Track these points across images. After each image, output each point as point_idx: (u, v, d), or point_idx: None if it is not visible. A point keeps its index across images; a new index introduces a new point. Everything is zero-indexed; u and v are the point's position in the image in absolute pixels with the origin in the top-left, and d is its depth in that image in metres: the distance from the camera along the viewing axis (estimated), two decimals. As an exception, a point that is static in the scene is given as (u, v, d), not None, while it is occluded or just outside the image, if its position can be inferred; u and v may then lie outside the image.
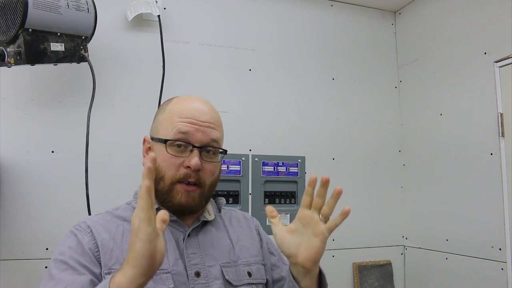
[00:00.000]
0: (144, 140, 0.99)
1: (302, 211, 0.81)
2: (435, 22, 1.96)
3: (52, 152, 1.60)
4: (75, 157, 1.59)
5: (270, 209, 0.85)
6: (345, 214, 0.76)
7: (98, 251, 0.86)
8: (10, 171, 1.54)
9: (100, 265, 0.85)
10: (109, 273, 0.83)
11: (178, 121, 0.92)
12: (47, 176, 1.58)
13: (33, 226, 1.54)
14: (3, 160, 1.53)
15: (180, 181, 0.90)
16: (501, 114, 1.61)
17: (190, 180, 0.90)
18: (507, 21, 1.59)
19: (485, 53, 1.68)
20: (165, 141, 0.91)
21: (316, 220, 0.79)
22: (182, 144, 0.91)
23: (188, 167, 0.89)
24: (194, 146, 0.90)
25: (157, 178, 0.91)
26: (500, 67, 1.62)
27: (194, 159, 0.89)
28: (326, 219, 0.79)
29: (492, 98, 1.64)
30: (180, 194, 0.90)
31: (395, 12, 2.24)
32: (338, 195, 0.78)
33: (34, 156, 1.58)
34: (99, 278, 0.83)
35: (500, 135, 1.60)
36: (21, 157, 1.56)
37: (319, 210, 0.80)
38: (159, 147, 0.92)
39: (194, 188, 0.91)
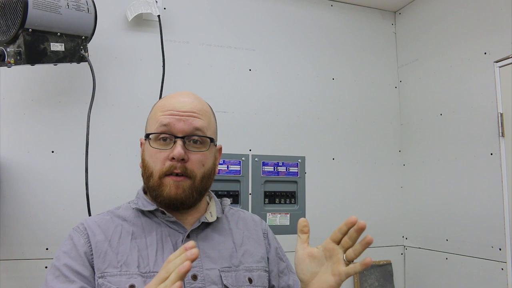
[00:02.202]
0: (141, 143, 0.99)
1: (329, 243, 0.80)
2: (435, 22, 1.96)
3: (52, 152, 1.60)
4: (75, 157, 1.59)
5: (303, 223, 0.84)
6: (364, 266, 0.75)
7: (92, 254, 0.86)
8: (10, 171, 1.54)
9: (93, 268, 0.85)
10: (102, 277, 0.83)
11: (160, 115, 0.91)
12: (47, 176, 1.58)
13: (33, 226, 1.54)
14: (3, 160, 1.53)
15: (167, 174, 0.88)
16: (501, 114, 1.61)
17: (176, 171, 0.88)
18: (507, 21, 1.59)
19: (485, 53, 1.68)
20: (148, 135, 0.91)
21: (339, 258, 0.79)
22: (166, 137, 0.90)
23: (173, 158, 0.88)
24: (176, 137, 0.89)
25: (147, 175, 0.91)
26: (500, 67, 1.62)
27: (176, 149, 0.87)
28: (348, 262, 0.79)
29: (492, 98, 1.64)
30: (169, 186, 0.88)
31: (395, 12, 2.24)
32: (367, 244, 0.76)
33: (34, 156, 1.58)
34: (91, 282, 0.84)
35: (500, 135, 1.60)
36: (21, 157, 1.56)
37: (345, 249, 0.79)
38: (147, 145, 0.92)
39: (183, 178, 0.89)
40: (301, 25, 2.05)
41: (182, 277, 0.63)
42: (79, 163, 1.55)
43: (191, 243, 0.67)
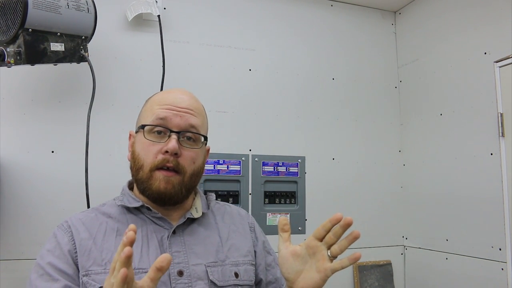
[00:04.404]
0: (130, 136, 0.99)
1: (312, 241, 0.79)
2: (435, 22, 1.96)
3: (52, 152, 1.60)
4: (75, 157, 1.59)
5: (283, 221, 0.83)
6: (353, 260, 0.74)
7: (76, 252, 0.86)
8: (10, 171, 1.54)
9: (78, 267, 0.85)
10: (86, 275, 0.83)
11: (157, 109, 0.92)
12: (47, 176, 1.58)
13: (33, 226, 1.54)
14: (3, 160, 1.53)
15: (158, 167, 0.89)
16: (501, 114, 1.61)
17: (168, 165, 0.88)
18: (507, 21, 1.59)
19: (485, 53, 1.68)
20: (143, 127, 0.91)
21: (323, 255, 0.78)
22: (161, 130, 0.90)
23: (166, 151, 0.88)
24: (171, 131, 0.90)
25: (136, 167, 0.91)
26: (500, 67, 1.62)
27: (171, 143, 0.88)
28: (333, 258, 0.78)
29: (492, 98, 1.64)
30: (159, 181, 0.88)
31: (395, 12, 2.24)
32: (354, 239, 0.75)
33: (34, 156, 1.58)
34: (75, 280, 0.84)
35: (500, 135, 1.60)
36: (21, 157, 1.56)
37: (329, 246, 0.78)
38: (139, 136, 0.92)
39: (173, 173, 0.89)
40: (301, 25, 2.05)
41: (124, 264, 0.61)
42: (79, 163, 1.55)
43: (130, 226, 0.64)
